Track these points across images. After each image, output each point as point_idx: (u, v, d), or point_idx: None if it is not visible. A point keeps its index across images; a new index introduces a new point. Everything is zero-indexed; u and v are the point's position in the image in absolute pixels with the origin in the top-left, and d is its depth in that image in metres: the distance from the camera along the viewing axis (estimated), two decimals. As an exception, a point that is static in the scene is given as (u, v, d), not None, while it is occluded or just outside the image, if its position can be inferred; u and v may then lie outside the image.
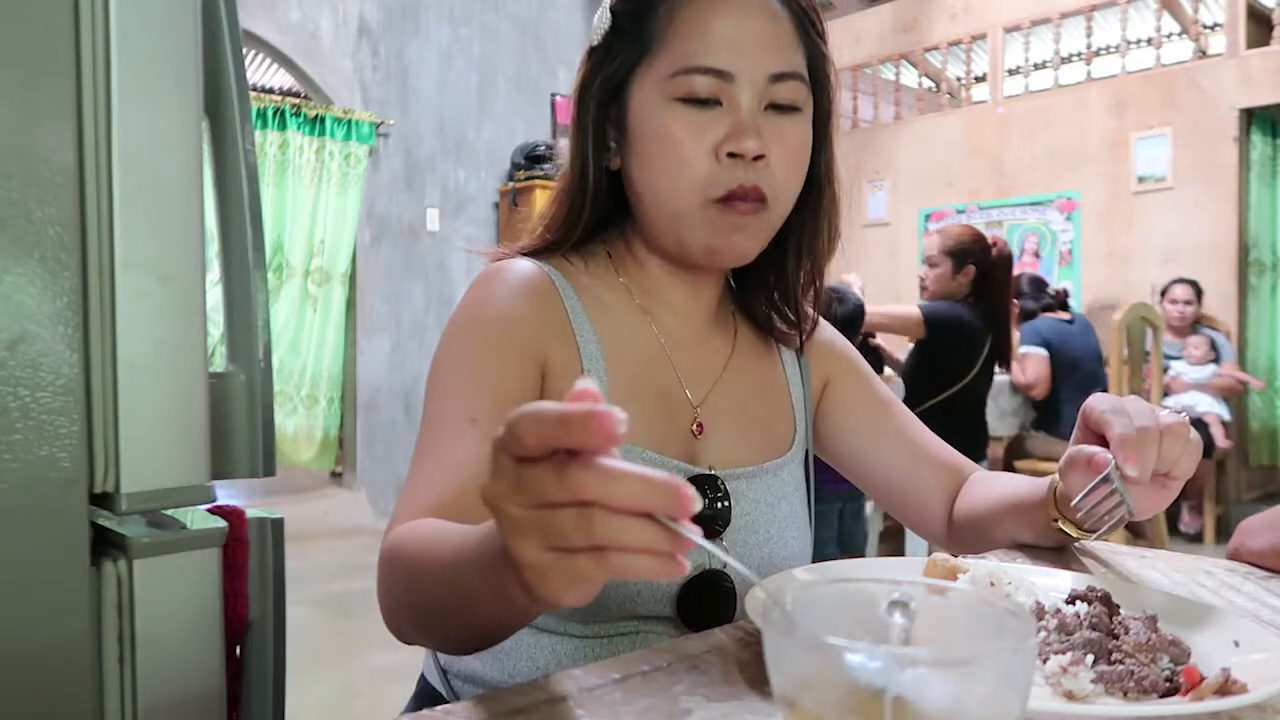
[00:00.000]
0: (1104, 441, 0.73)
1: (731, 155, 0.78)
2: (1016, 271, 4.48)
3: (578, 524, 0.40)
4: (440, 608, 0.61)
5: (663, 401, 0.86)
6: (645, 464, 0.79)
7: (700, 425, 0.86)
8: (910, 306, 3.04)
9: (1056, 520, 0.80)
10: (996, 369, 3.26)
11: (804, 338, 0.97)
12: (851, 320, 2.87)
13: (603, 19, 0.84)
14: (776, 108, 0.81)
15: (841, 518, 3.09)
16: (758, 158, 0.79)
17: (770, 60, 0.79)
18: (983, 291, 3.07)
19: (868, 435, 0.98)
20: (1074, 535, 0.80)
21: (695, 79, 0.78)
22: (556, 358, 0.81)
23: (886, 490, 0.98)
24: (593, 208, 0.87)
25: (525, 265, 0.86)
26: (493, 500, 0.43)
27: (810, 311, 0.96)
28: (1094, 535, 0.79)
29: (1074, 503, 0.74)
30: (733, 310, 0.96)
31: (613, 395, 0.81)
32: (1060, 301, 4.18)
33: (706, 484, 0.82)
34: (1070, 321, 4.05)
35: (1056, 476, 0.79)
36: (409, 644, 0.71)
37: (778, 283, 0.93)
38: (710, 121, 0.79)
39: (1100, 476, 0.71)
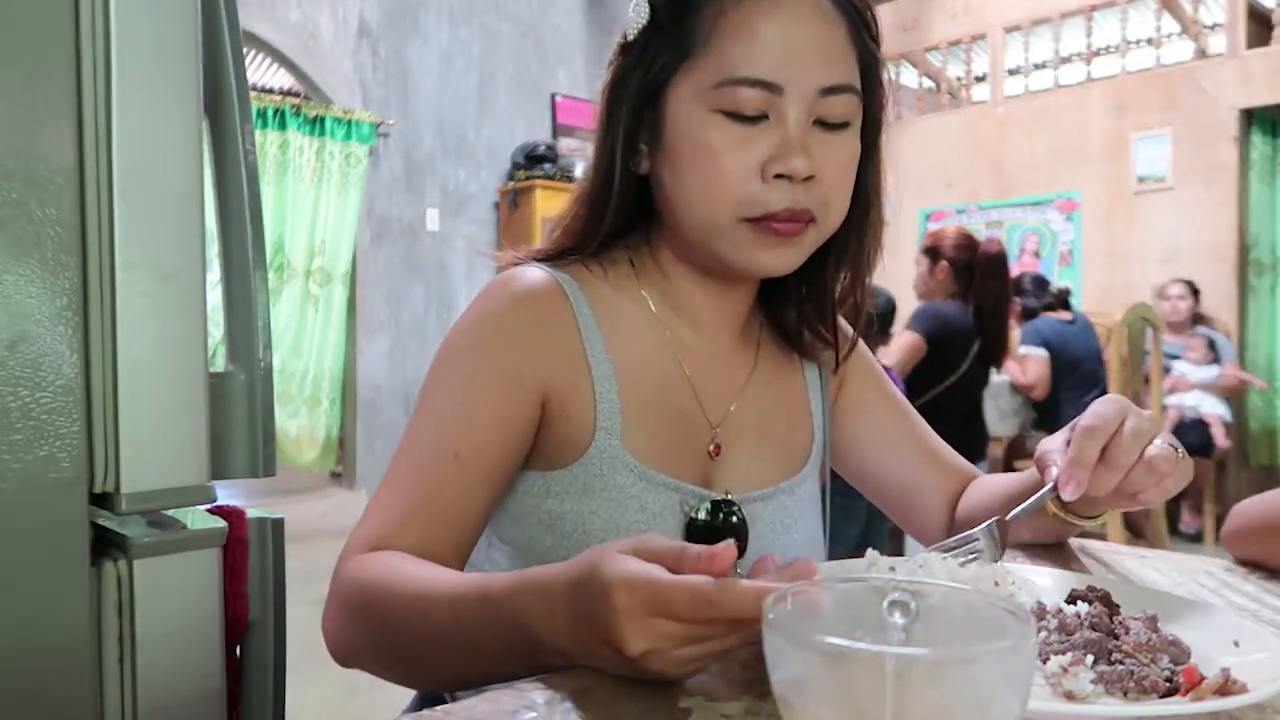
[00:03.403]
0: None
1: (779, 176, 0.73)
2: (1018, 271, 4.49)
3: (741, 641, 0.49)
4: (426, 655, 0.63)
5: (679, 422, 0.83)
6: (658, 488, 0.79)
7: (718, 446, 0.83)
8: (907, 335, 3.05)
9: (1048, 502, 0.78)
10: (993, 369, 3.27)
11: (840, 357, 0.91)
12: (884, 316, 2.91)
13: (640, 13, 0.78)
14: (825, 124, 0.76)
15: (869, 512, 3.10)
16: (807, 178, 0.74)
17: (821, 72, 0.74)
18: (967, 289, 3.11)
19: (879, 440, 0.96)
20: (1065, 518, 0.78)
21: (741, 92, 0.73)
22: (563, 380, 0.78)
23: (890, 494, 0.97)
24: (616, 213, 0.82)
25: (536, 276, 0.81)
26: (654, 656, 0.49)
27: (849, 329, 0.91)
28: (1085, 519, 0.79)
29: (1010, 515, 0.73)
30: (759, 321, 0.92)
31: (626, 417, 0.79)
32: (1061, 300, 4.18)
33: (723, 509, 0.80)
34: (1071, 321, 4.05)
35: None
36: (352, 668, 0.70)
37: (813, 296, 0.88)
38: (755, 136, 0.74)
39: (1040, 495, 0.71)
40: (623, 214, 0.82)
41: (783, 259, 0.77)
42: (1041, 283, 4.31)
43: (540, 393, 0.77)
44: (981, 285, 3.09)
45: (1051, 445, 0.73)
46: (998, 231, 5.54)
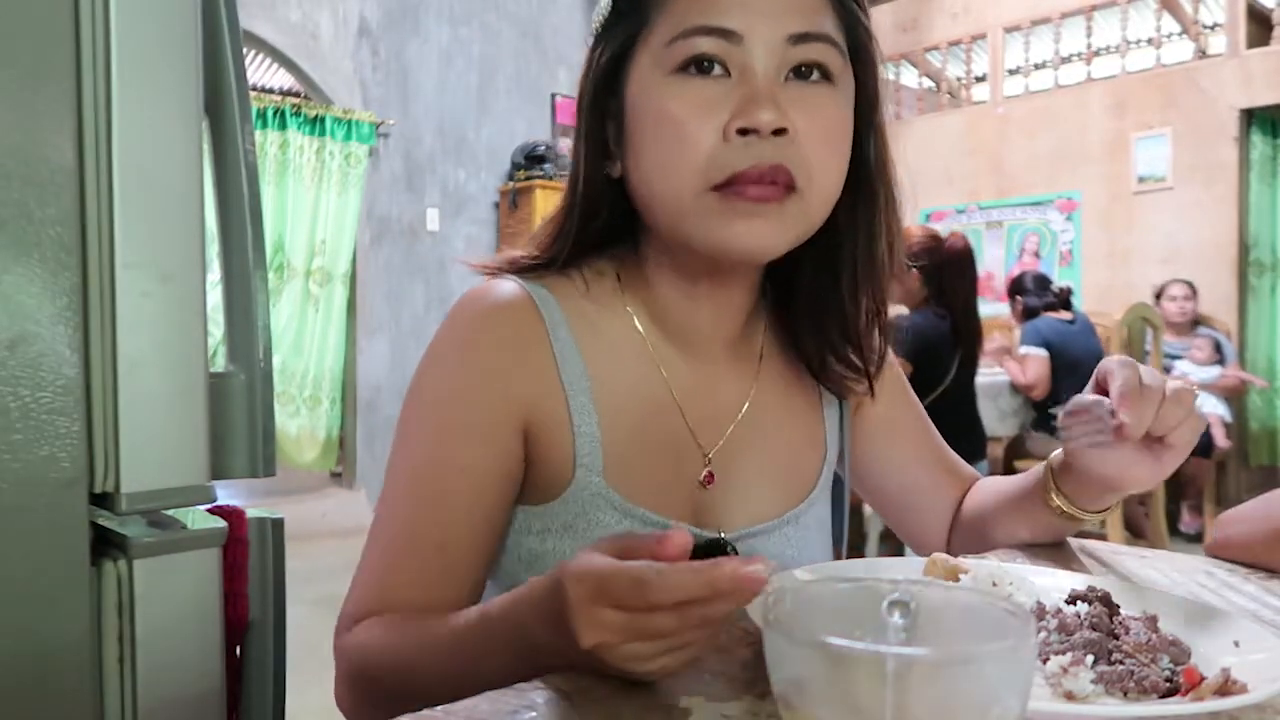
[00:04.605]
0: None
1: (744, 132, 0.64)
2: (1019, 270, 4.47)
3: (702, 632, 0.48)
4: (444, 696, 0.60)
5: (667, 452, 0.76)
6: (646, 526, 0.74)
7: (710, 475, 0.76)
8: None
9: (1051, 496, 0.78)
10: (987, 367, 3.24)
11: (874, 382, 0.80)
12: None
13: (603, 5, 0.73)
14: (801, 75, 0.67)
15: None
16: (779, 132, 0.64)
17: (788, 20, 0.66)
18: (941, 292, 3.03)
19: (892, 457, 0.91)
20: (1068, 510, 0.78)
21: (696, 41, 0.65)
22: (540, 410, 0.72)
23: (895, 506, 0.93)
24: (583, 221, 0.75)
25: (508, 293, 0.74)
26: (604, 649, 0.47)
27: (877, 347, 0.80)
28: (1089, 514, 0.79)
29: (1063, 417, 0.71)
30: (763, 329, 0.83)
31: (608, 451, 0.73)
32: (1063, 300, 4.18)
33: (714, 551, 0.73)
34: (1072, 321, 4.05)
35: (1053, 455, 0.79)
36: None
37: (835, 315, 0.77)
38: (718, 97, 0.65)
39: (1095, 399, 0.69)
40: (590, 222, 0.75)
41: (759, 233, 0.66)
42: (1043, 282, 4.30)
43: (520, 429, 0.72)
44: (951, 286, 3.03)
45: (1082, 395, 0.71)
46: (998, 231, 5.54)
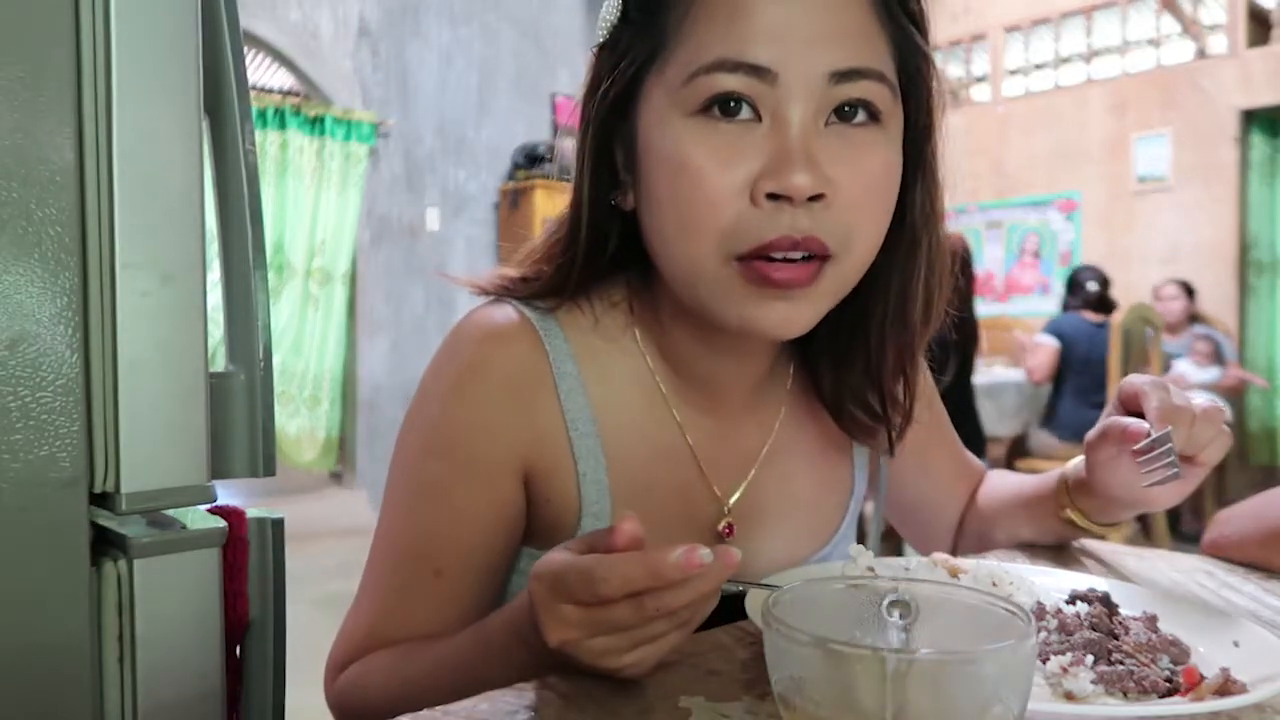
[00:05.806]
0: (1139, 416, 0.69)
1: (774, 196, 0.57)
2: (1037, 266, 4.48)
3: (667, 624, 0.47)
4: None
5: (680, 502, 0.71)
6: None
7: (730, 527, 0.71)
8: None
9: (1065, 509, 0.78)
10: (994, 364, 3.26)
11: (895, 437, 0.74)
12: None
13: (610, 9, 0.64)
14: (844, 116, 0.59)
15: None
16: (815, 198, 0.57)
17: (830, 51, 0.57)
18: None
19: (911, 468, 0.87)
20: (1080, 524, 0.78)
21: (720, 79, 0.57)
22: (541, 454, 0.67)
23: (907, 511, 0.92)
24: (589, 254, 0.68)
25: (509, 324, 0.68)
26: (569, 645, 0.48)
27: (902, 399, 0.73)
28: (1110, 524, 0.79)
29: (1138, 449, 0.66)
30: (789, 364, 0.77)
31: (616, 499, 0.68)
32: (1090, 302, 4.18)
33: (734, 603, 0.66)
34: (1099, 325, 4.05)
35: (1069, 466, 0.79)
36: None
37: (859, 358, 0.71)
38: (745, 146, 0.57)
39: (1161, 432, 0.65)
40: (600, 254, 0.69)
41: (787, 318, 0.60)
42: (1094, 281, 4.27)
43: (519, 473, 0.68)
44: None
45: (1115, 418, 0.70)
46: (998, 232, 5.54)
